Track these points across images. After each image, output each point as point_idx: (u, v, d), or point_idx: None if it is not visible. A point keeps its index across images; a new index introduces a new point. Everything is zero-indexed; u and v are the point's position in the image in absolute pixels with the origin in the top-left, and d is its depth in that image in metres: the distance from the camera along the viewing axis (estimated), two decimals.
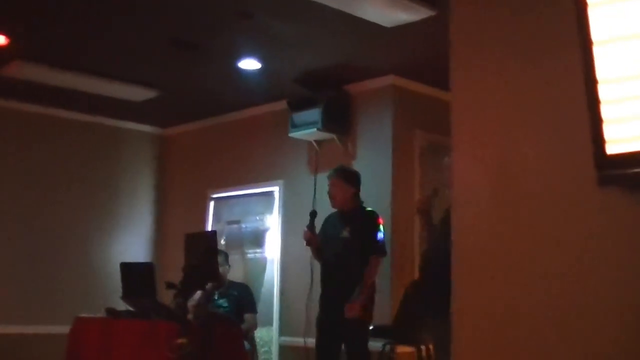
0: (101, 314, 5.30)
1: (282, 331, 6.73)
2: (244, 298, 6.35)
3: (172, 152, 8.31)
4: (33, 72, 6.24)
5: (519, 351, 2.75)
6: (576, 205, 2.63)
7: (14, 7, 5.00)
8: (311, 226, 5.50)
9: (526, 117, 2.85)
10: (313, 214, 5.53)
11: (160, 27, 5.33)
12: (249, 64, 6.00)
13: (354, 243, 5.26)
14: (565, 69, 2.66)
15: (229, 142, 7.63)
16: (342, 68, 6.10)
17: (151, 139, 8.30)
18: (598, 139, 2.37)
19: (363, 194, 5.50)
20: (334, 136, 6.42)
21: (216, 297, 6.20)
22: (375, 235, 5.25)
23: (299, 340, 6.10)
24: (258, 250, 7.23)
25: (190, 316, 4.84)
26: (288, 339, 6.60)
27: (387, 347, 5.39)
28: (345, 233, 5.32)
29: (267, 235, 7.17)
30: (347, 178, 5.45)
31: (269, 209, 7.15)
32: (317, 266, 5.61)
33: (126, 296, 5.27)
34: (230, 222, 7.53)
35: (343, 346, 5.23)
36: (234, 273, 6.64)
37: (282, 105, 6.70)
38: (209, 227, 7.60)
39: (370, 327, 5.23)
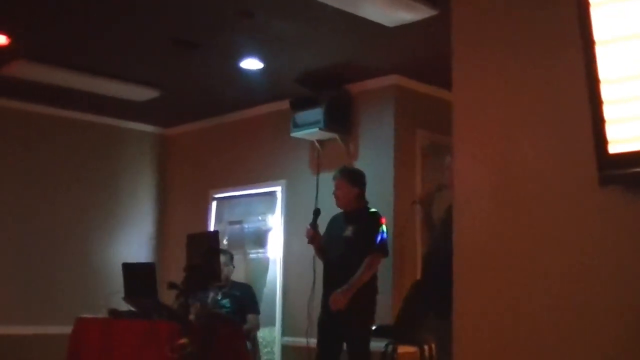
0: (102, 314, 5.30)
1: (285, 331, 6.72)
2: (247, 298, 6.35)
3: (174, 152, 8.31)
4: (34, 72, 6.24)
5: (520, 351, 2.75)
6: (577, 205, 2.63)
7: (15, 7, 4.99)
8: (314, 224, 5.50)
9: (527, 117, 2.85)
10: (317, 212, 5.52)
11: (161, 27, 5.33)
12: (251, 63, 5.99)
13: (356, 243, 5.25)
14: (566, 69, 2.66)
15: (230, 142, 7.62)
16: (343, 68, 6.09)
17: (153, 138, 8.29)
18: (600, 139, 2.37)
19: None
20: (336, 136, 6.41)
21: (219, 298, 6.20)
22: (376, 235, 5.25)
23: (301, 341, 6.09)
24: (260, 251, 7.22)
25: (192, 316, 4.84)
26: (290, 339, 6.59)
27: (390, 348, 5.38)
28: (348, 232, 5.33)
29: (269, 235, 7.16)
30: (352, 178, 5.47)
31: (271, 209, 7.15)
32: (320, 266, 5.60)
33: (128, 296, 5.28)
34: (232, 223, 7.52)
35: (345, 346, 5.23)
36: (236, 273, 6.63)
37: (283, 105, 6.69)
38: (211, 228, 7.59)
39: (373, 328, 5.23)
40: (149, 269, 5.44)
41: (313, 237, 5.48)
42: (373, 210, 5.40)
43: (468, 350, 2.93)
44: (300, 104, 6.41)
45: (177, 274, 5.16)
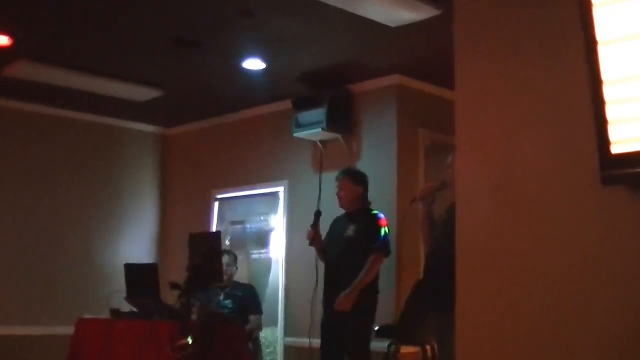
0: (104, 314, 5.30)
1: (287, 332, 6.72)
2: (249, 299, 6.35)
3: (176, 152, 8.30)
4: (36, 72, 6.24)
5: (520, 351, 2.74)
6: (578, 205, 2.62)
7: (16, 8, 5.00)
8: (315, 226, 5.51)
9: (529, 117, 2.85)
10: (318, 214, 5.56)
11: (162, 27, 5.32)
12: (253, 64, 5.98)
13: (358, 242, 5.28)
14: (568, 69, 2.66)
15: (232, 143, 7.61)
16: (345, 68, 6.09)
17: (154, 139, 8.29)
18: (603, 140, 2.36)
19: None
20: (338, 136, 6.41)
21: (222, 298, 6.19)
22: (377, 235, 5.25)
23: (304, 341, 6.08)
24: (263, 251, 7.21)
25: (194, 317, 4.84)
26: (293, 340, 6.58)
27: (392, 348, 5.37)
28: (350, 232, 5.36)
29: (271, 235, 7.15)
30: (355, 178, 5.52)
31: (273, 209, 7.14)
32: (322, 267, 5.61)
33: (130, 297, 5.28)
34: (234, 223, 7.52)
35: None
36: (239, 274, 6.62)
37: (286, 105, 6.69)
38: (213, 228, 7.58)
39: (377, 328, 5.22)
40: (152, 269, 5.46)
41: (314, 238, 5.51)
42: (374, 212, 5.41)
43: (469, 349, 2.92)
44: (303, 104, 6.41)
45: (178, 274, 5.16)
